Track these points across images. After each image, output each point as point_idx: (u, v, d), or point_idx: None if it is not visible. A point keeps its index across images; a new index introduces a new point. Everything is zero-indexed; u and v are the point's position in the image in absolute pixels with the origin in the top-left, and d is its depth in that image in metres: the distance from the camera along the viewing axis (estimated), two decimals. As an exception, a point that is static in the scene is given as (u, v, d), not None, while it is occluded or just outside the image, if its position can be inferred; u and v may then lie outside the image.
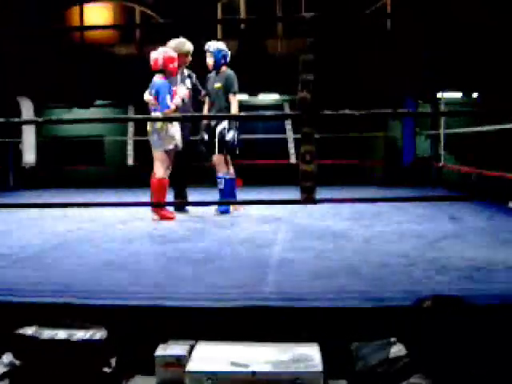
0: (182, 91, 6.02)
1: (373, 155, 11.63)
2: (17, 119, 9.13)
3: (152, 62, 5.94)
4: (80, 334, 2.63)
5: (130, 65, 11.53)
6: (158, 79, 5.95)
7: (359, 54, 10.56)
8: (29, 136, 10.41)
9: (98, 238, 4.87)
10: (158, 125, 5.83)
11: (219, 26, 14.02)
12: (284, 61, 11.15)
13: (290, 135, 10.24)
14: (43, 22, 12.26)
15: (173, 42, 6.29)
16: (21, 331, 2.69)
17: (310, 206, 6.30)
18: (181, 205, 6.41)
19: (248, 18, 15.21)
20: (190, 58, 6.45)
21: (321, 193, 3.40)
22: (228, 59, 6.29)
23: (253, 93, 12.80)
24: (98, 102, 12.54)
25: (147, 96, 6.00)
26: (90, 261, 3.86)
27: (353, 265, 3.57)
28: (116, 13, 14.22)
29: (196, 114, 6.47)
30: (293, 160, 10.16)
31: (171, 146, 5.91)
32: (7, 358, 2.68)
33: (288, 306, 2.79)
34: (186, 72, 6.44)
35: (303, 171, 3.25)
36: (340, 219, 5.69)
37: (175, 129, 5.93)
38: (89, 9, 13.99)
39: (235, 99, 6.19)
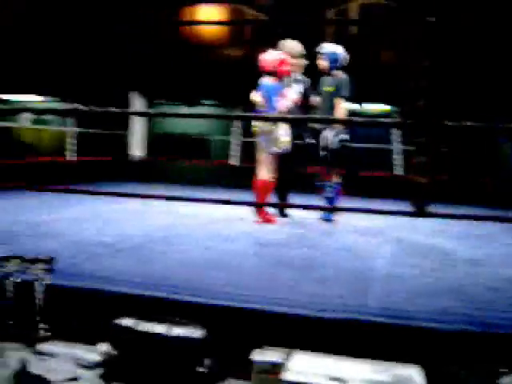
0: (293, 95, 5.95)
1: (483, 173, 11.16)
2: (131, 110, 9.48)
3: (263, 64, 5.89)
4: (178, 331, 2.62)
5: (238, 66, 11.65)
6: (267, 81, 5.88)
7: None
8: (138, 130, 10.72)
9: (199, 235, 4.90)
10: (266, 127, 5.80)
11: (330, 32, 13.99)
12: (396, 71, 10.94)
13: (396, 146, 9.90)
14: (156, 20, 12.63)
15: (284, 45, 6.24)
16: (119, 321, 2.71)
17: (414, 221, 6.10)
18: (283, 209, 6.33)
19: (361, 24, 15.05)
20: (302, 62, 6.37)
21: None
22: (343, 63, 6.11)
23: (361, 101, 12.64)
24: (206, 102, 12.77)
25: (255, 96, 5.93)
26: (191, 257, 3.87)
27: (460, 286, 3.37)
28: (227, 15, 14.43)
29: (300, 116, 6.28)
30: (398, 171, 9.82)
31: (278, 149, 5.84)
32: (104, 347, 2.71)
33: (390, 322, 2.66)
34: (297, 76, 6.35)
35: (417, 183, 3.13)
36: (446, 237, 5.44)
37: (283, 132, 5.85)
38: (201, 10, 14.30)
39: (342, 103, 5.99)
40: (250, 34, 14.02)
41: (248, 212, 6.02)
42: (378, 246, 4.80)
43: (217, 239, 4.69)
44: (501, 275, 3.75)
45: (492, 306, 2.96)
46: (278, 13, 13.03)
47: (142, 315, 2.75)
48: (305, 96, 6.38)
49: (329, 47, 6.13)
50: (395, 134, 10.11)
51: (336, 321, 2.68)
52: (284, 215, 6.27)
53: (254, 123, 5.97)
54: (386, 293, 3.15)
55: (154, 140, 12.41)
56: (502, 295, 3.21)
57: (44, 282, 2.87)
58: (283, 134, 5.84)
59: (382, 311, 2.79)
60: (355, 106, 11.11)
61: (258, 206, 5.84)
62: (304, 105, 6.39)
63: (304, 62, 6.40)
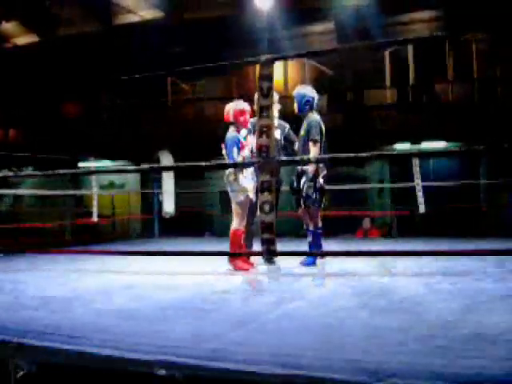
0: (250, 142, 5.95)
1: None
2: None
3: (225, 114, 6.00)
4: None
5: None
6: (229, 132, 5.98)
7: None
8: (168, 187, 10.90)
9: (145, 287, 4.90)
10: (231, 177, 5.82)
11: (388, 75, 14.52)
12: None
13: (418, 183, 9.47)
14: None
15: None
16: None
17: (396, 261, 5.87)
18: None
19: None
20: (277, 107, 6.24)
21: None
22: (314, 104, 6.06)
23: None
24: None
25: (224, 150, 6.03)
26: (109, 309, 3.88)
27: (368, 327, 3.16)
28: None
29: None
30: (422, 210, 9.37)
31: (243, 198, 5.84)
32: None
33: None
34: (275, 122, 6.25)
35: (263, 222, 3.01)
36: (412, 276, 5.18)
37: (247, 180, 5.85)
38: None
39: (314, 147, 5.85)
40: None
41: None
42: (332, 291, 4.60)
43: (161, 290, 4.67)
44: (422, 312, 3.49)
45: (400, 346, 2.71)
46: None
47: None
48: (287, 142, 6.41)
49: (298, 89, 6.14)
50: (416, 172, 9.51)
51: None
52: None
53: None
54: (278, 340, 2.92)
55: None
56: (383, 340, 2.88)
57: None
58: (247, 183, 5.84)
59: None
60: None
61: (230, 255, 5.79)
62: (287, 150, 6.41)
63: (278, 106, 6.34)
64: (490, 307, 3.60)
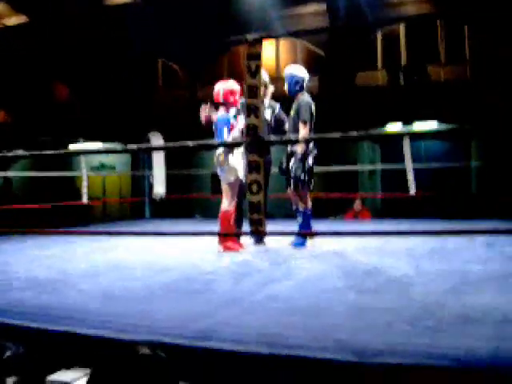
0: (241, 123, 5.90)
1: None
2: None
3: (214, 95, 5.93)
4: None
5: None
6: (218, 112, 5.91)
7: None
8: (159, 169, 10.85)
9: (137, 267, 4.87)
10: (221, 158, 5.78)
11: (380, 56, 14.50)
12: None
13: (408, 165, 9.38)
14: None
15: None
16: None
17: (386, 243, 5.90)
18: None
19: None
20: (270, 89, 6.33)
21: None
22: (304, 84, 5.97)
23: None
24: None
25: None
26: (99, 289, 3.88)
27: (352, 306, 3.20)
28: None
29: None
30: (412, 192, 9.28)
31: (232, 179, 5.79)
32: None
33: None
34: (266, 102, 6.28)
35: (250, 202, 2.99)
36: (403, 256, 5.11)
37: (236, 161, 5.81)
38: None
39: (303, 128, 5.77)
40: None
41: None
42: (320, 270, 4.53)
43: (151, 270, 4.68)
44: (408, 293, 3.50)
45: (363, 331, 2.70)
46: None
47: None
48: (277, 122, 6.35)
49: (288, 70, 6.06)
50: (407, 153, 9.36)
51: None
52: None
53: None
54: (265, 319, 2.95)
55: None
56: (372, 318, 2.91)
57: None
58: (236, 164, 5.80)
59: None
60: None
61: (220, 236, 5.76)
62: (277, 130, 6.33)
63: (271, 88, 6.36)
64: (478, 288, 3.61)
